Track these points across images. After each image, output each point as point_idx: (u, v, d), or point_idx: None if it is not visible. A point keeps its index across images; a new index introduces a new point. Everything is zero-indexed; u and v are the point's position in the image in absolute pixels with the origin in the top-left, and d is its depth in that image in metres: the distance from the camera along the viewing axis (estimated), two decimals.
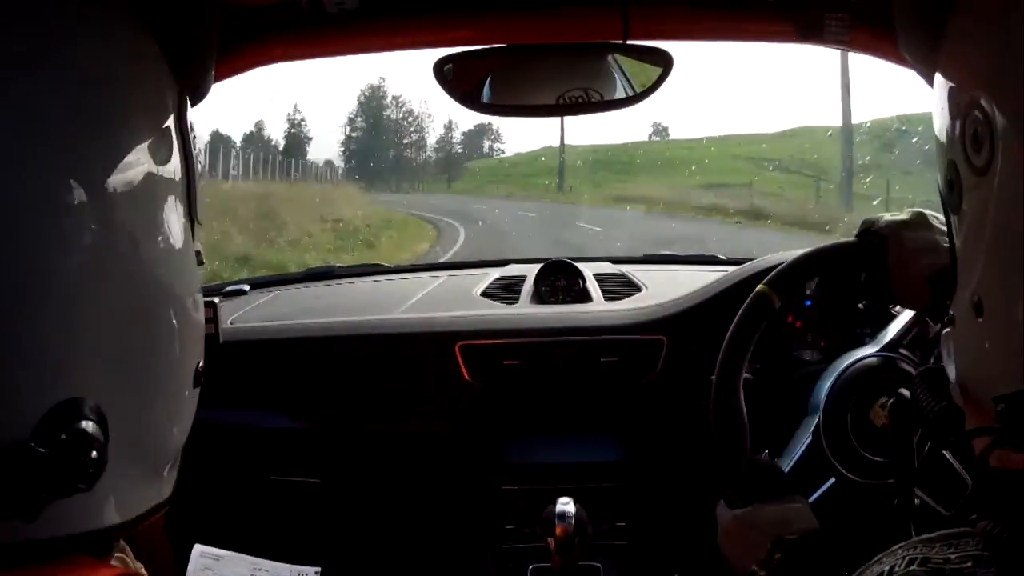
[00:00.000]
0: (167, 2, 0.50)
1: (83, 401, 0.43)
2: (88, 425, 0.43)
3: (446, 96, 1.00)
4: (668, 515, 1.30)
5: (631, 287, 1.57)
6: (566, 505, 1.06)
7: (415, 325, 1.39)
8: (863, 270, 0.89)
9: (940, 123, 0.47)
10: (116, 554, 0.51)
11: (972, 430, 0.46)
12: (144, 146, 0.48)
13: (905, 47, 0.52)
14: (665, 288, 1.46)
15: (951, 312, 0.49)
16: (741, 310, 0.90)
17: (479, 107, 1.02)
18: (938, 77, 0.48)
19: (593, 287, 1.55)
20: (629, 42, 0.96)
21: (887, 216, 0.87)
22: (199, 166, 0.56)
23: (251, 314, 1.52)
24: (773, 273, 0.90)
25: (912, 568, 0.42)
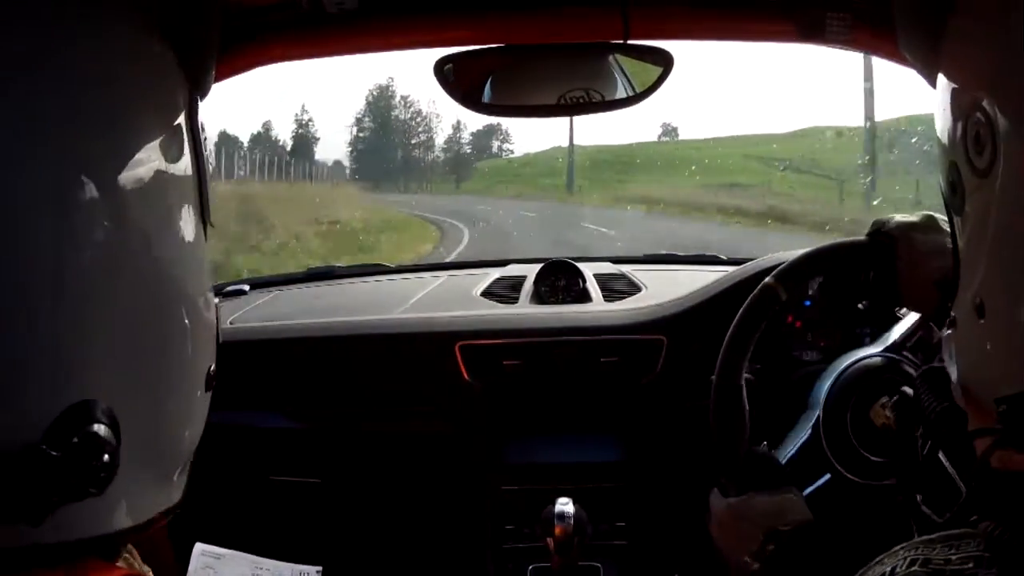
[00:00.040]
0: (171, 1, 0.50)
1: (95, 404, 0.43)
2: (100, 428, 0.42)
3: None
4: (668, 515, 1.29)
5: (631, 287, 1.56)
6: (565, 505, 1.06)
7: (415, 325, 1.39)
8: (871, 270, 0.89)
9: (942, 124, 0.47)
10: (123, 554, 0.50)
11: (974, 431, 0.46)
12: (154, 144, 0.47)
13: (905, 47, 0.52)
14: (665, 288, 1.46)
15: (952, 313, 0.48)
16: (747, 300, 0.90)
17: (479, 107, 1.02)
18: (940, 78, 0.48)
19: (593, 287, 1.55)
20: (629, 42, 0.96)
21: (898, 217, 0.87)
22: (210, 167, 0.55)
23: (251, 314, 1.52)
24: (782, 266, 0.90)
25: (913, 569, 0.42)
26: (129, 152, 0.45)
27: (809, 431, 0.94)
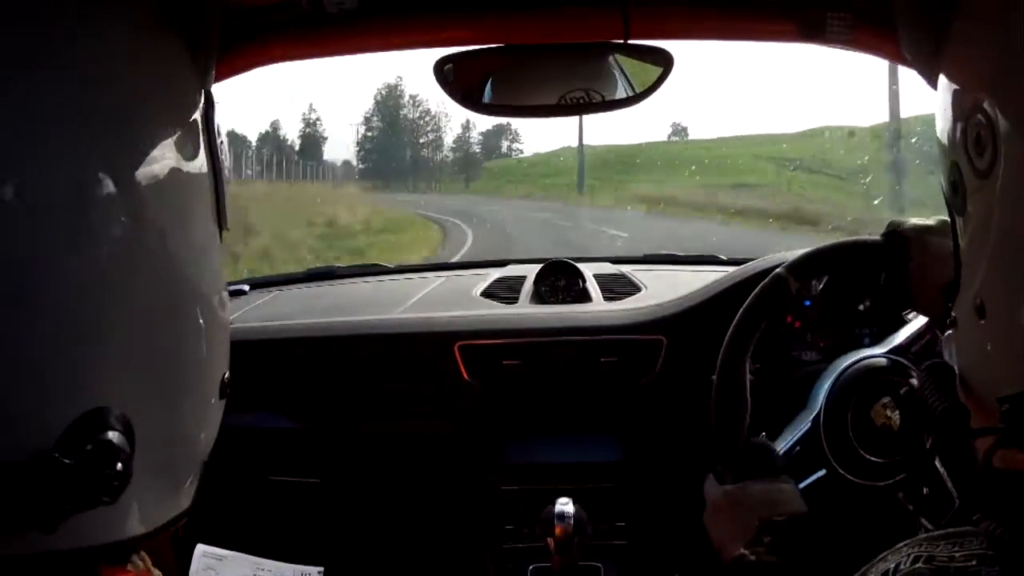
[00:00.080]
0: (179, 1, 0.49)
1: (109, 411, 0.42)
2: (114, 436, 0.42)
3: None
4: (668, 515, 1.29)
5: (631, 287, 1.57)
6: (565, 505, 1.06)
7: (415, 325, 1.39)
8: (883, 270, 0.89)
9: (943, 125, 0.47)
10: (133, 559, 0.50)
11: (976, 430, 0.46)
12: (169, 142, 0.47)
13: (907, 48, 0.52)
14: (665, 288, 1.46)
15: (953, 314, 0.49)
16: (757, 289, 0.90)
17: (480, 107, 1.02)
18: (941, 79, 0.48)
19: (593, 287, 1.55)
20: (630, 42, 0.96)
21: (914, 220, 0.87)
22: (228, 173, 0.55)
23: (251, 314, 1.52)
24: (794, 258, 0.90)
25: (917, 566, 0.42)
26: (143, 150, 0.45)
27: (808, 425, 0.94)
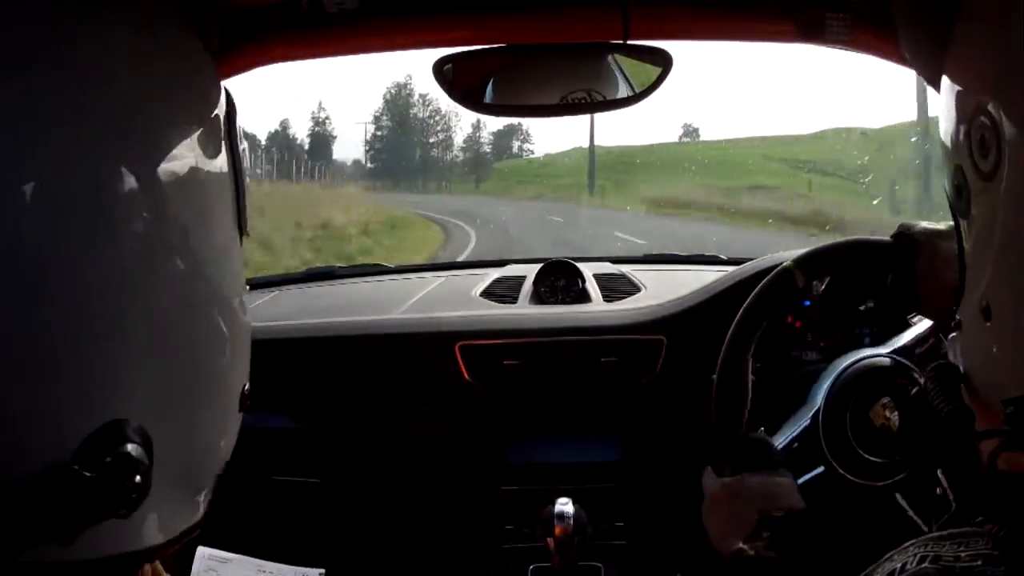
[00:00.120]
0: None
1: (128, 423, 0.41)
2: (133, 448, 0.41)
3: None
4: (668, 515, 1.29)
5: (631, 287, 1.57)
6: (565, 505, 1.06)
7: (415, 325, 1.39)
8: (891, 271, 0.89)
9: (947, 127, 0.47)
10: (145, 568, 0.49)
11: (981, 432, 0.46)
12: (192, 140, 0.46)
13: (906, 48, 0.52)
14: (665, 288, 1.46)
15: (958, 316, 0.49)
16: (761, 284, 0.89)
17: (479, 107, 1.02)
18: (944, 81, 0.48)
19: (593, 287, 1.55)
20: (629, 42, 0.96)
21: (924, 223, 0.87)
22: (247, 178, 0.54)
23: (250, 314, 1.52)
24: (803, 253, 0.90)
25: (924, 566, 0.42)
26: (164, 146, 0.44)
27: (807, 421, 0.94)
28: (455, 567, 1.35)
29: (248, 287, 1.67)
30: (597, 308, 1.46)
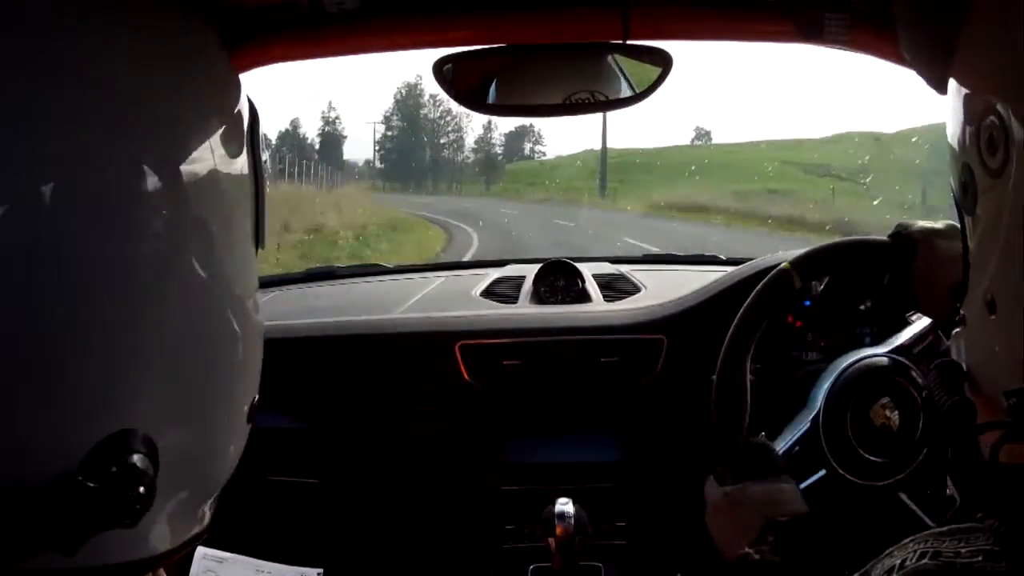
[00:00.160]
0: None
1: (134, 433, 0.41)
2: (138, 459, 0.41)
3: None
4: (669, 515, 1.29)
5: (631, 287, 1.57)
6: (566, 505, 1.06)
7: (415, 325, 1.39)
8: (889, 271, 0.89)
9: (954, 127, 0.48)
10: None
11: (982, 424, 0.47)
12: (209, 139, 0.46)
13: (906, 48, 0.52)
14: (665, 288, 1.46)
15: (962, 312, 0.49)
16: (760, 285, 0.89)
17: (479, 107, 1.02)
18: (952, 82, 0.48)
19: (592, 287, 1.55)
20: (629, 42, 0.96)
21: (921, 222, 0.87)
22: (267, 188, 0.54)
23: None
24: (800, 254, 0.90)
25: (924, 562, 0.42)
26: (178, 145, 0.44)
27: (808, 425, 0.94)
28: (455, 567, 1.35)
29: None
30: (597, 308, 1.47)
